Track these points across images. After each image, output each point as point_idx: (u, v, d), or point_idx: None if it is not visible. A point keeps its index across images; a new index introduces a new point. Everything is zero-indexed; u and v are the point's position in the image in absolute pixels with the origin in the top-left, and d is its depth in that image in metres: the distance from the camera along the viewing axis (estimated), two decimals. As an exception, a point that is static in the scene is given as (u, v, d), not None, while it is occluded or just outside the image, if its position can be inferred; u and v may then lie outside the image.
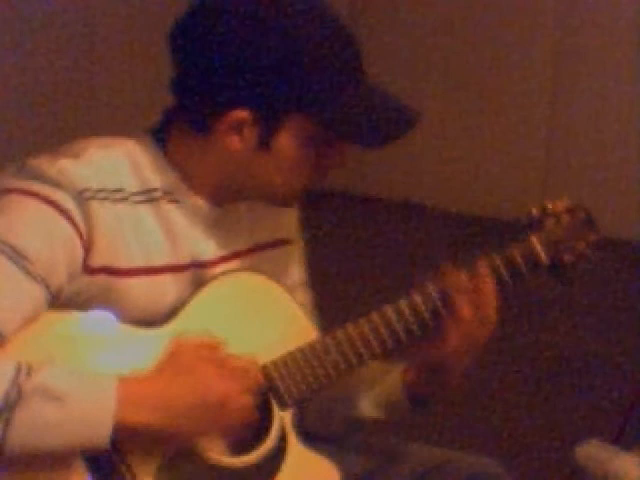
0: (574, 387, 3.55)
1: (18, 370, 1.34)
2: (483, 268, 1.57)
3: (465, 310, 1.55)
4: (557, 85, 5.24)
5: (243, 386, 1.47)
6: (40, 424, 1.34)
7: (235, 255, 1.60)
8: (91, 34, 4.96)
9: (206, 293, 1.54)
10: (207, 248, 1.57)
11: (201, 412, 1.44)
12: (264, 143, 1.49)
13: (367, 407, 1.68)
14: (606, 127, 5.13)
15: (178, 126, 1.54)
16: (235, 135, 1.49)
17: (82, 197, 1.44)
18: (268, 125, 1.48)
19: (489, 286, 1.56)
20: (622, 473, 2.42)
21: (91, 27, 4.95)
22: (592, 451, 2.51)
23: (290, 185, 1.55)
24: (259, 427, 1.55)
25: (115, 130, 1.57)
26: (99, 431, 1.37)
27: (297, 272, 1.72)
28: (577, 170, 5.19)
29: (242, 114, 1.47)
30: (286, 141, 1.49)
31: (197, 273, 1.56)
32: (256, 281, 1.58)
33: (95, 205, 1.45)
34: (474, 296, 1.55)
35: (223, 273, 1.57)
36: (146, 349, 1.47)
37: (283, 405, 1.56)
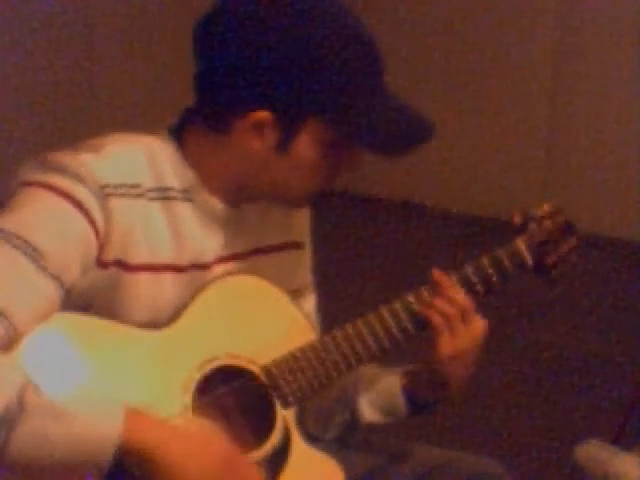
0: (574, 387, 3.54)
1: (26, 383, 1.30)
2: (444, 284, 1.59)
3: (435, 320, 1.59)
4: (557, 85, 5.24)
5: None
6: (43, 437, 1.29)
7: (233, 257, 1.60)
8: (91, 34, 4.96)
9: (206, 296, 1.55)
10: (211, 249, 1.57)
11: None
12: (283, 145, 1.50)
13: (366, 409, 1.69)
14: (606, 127, 5.12)
15: (196, 125, 1.54)
16: (255, 135, 1.49)
17: (103, 193, 1.44)
18: (288, 127, 1.48)
19: (456, 299, 1.59)
20: (622, 473, 2.42)
21: (91, 27, 4.95)
22: (592, 451, 2.51)
23: (304, 187, 1.55)
24: (262, 425, 1.55)
25: (115, 130, 1.57)
26: (102, 448, 1.31)
27: (305, 275, 1.72)
28: (577, 170, 5.19)
29: (264, 115, 1.47)
30: (304, 144, 1.50)
31: (197, 275, 1.56)
32: (255, 284, 1.59)
33: (114, 202, 1.45)
34: (445, 307, 1.59)
35: (222, 276, 1.57)
36: (148, 351, 1.47)
37: (286, 404, 1.56)
